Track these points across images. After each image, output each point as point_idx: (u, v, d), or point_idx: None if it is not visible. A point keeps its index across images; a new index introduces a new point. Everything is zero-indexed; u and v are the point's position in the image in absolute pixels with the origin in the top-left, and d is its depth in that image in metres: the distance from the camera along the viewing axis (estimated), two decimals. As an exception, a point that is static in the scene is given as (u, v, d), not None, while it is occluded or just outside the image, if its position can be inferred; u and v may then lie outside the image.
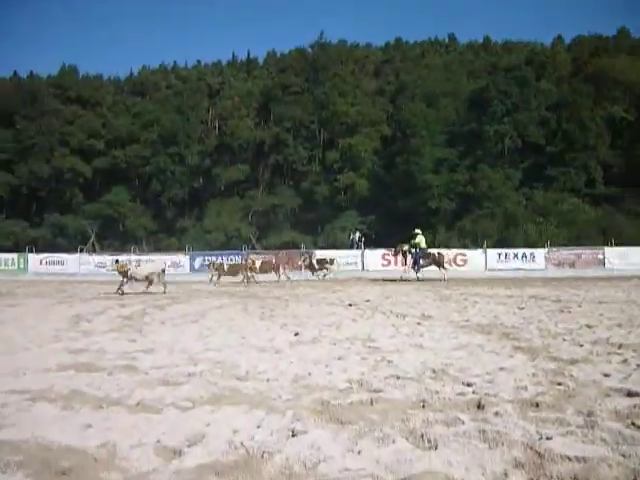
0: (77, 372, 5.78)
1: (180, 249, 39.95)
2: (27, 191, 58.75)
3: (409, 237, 24.39)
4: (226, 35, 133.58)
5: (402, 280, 22.60)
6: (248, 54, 71.16)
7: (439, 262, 23.55)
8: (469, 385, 4.93)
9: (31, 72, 66.85)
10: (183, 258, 33.84)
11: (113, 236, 55.80)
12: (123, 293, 16.77)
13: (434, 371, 5.53)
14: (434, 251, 24.72)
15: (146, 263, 22.23)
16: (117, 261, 18.48)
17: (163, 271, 18.34)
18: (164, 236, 55.86)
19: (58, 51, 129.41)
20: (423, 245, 23.80)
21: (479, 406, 4.23)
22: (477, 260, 32.30)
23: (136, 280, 17.53)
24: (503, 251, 33.09)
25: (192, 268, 32.83)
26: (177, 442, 3.61)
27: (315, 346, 7.31)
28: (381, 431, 3.68)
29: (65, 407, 4.46)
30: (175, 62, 72.45)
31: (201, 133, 59.98)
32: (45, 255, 36.32)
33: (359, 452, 3.39)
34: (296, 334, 8.26)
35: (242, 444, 3.53)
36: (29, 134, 58.03)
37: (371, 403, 4.41)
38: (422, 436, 3.59)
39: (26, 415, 4.27)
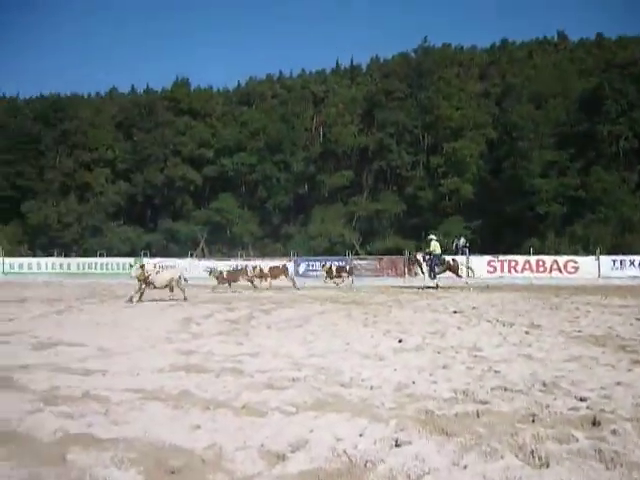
0: (187, 373, 5.99)
1: (285, 254, 40.60)
2: (142, 199, 61.87)
3: (425, 244, 24.05)
4: (329, 44, 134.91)
5: (423, 289, 21.76)
6: (351, 61, 71.45)
7: (454, 269, 22.89)
8: (583, 400, 4.69)
9: (147, 86, 70.62)
10: (288, 263, 34.36)
11: (221, 241, 57.62)
12: (131, 300, 16.28)
13: (544, 384, 5.31)
14: (449, 258, 23.86)
15: (165, 269, 21.09)
16: (142, 266, 17.74)
17: (180, 278, 17.76)
18: (270, 241, 57.10)
19: (172, 65, 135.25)
20: (438, 251, 23.15)
21: (594, 423, 4.01)
22: (589, 267, 30.70)
23: (154, 287, 17.07)
24: (618, 258, 31.26)
25: (297, 273, 33.25)
26: (281, 447, 3.65)
27: (419, 354, 7.22)
28: (488, 445, 3.56)
29: (175, 407, 4.63)
30: (280, 72, 73.92)
31: (306, 140, 60.77)
32: (158, 260, 37.97)
33: (465, 466, 3.29)
34: (400, 341, 8.18)
35: (345, 452, 3.52)
36: (145, 145, 61.18)
37: (477, 415, 4.28)
38: (532, 452, 3.44)
39: (139, 414, 4.46)
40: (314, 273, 33.26)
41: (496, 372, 5.90)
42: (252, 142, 60.32)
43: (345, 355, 7.12)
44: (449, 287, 22.08)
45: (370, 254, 43.13)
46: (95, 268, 38.83)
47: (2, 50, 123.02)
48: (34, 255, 49.01)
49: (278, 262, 27.42)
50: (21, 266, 39.37)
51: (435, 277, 22.64)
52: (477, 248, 37.75)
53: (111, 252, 45.99)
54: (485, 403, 4.65)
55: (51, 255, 42.86)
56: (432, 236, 23.99)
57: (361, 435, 3.85)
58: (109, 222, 59.58)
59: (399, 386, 5.31)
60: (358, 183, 58.44)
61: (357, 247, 49.87)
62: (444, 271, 22.87)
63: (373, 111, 58.61)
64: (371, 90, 61.71)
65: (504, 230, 46.17)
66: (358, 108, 60.90)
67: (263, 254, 46.79)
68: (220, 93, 71.71)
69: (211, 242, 57.57)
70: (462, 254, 34.68)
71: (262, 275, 23.54)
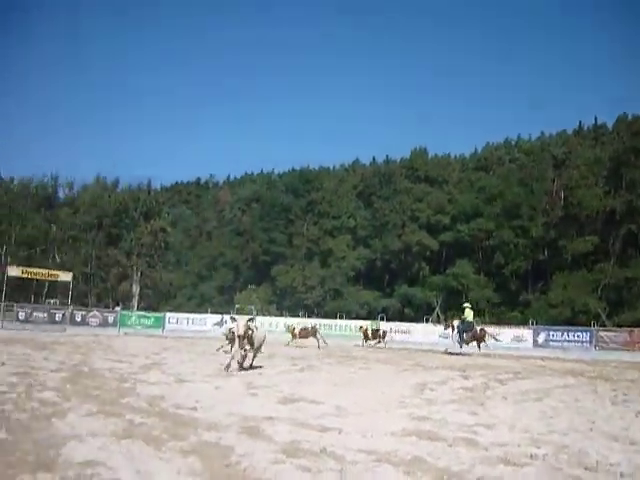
0: (419, 439, 5.96)
1: (523, 322, 38.93)
2: (381, 264, 64.17)
3: (461, 311, 24.93)
4: (571, 104, 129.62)
5: (448, 353, 22.72)
6: (595, 120, 68.35)
7: (479, 338, 23.63)
8: None
9: (386, 156, 74.09)
10: (526, 332, 32.81)
11: (456, 308, 57.04)
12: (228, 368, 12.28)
13: None
14: (477, 327, 24.53)
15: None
16: (251, 320, 13.41)
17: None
18: (506, 309, 55.22)
19: (410, 135, 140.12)
20: (470, 319, 23.89)
21: None
22: None
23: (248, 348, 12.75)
24: None
25: (535, 343, 31.60)
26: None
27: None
28: None
29: (407, 473, 4.63)
30: (519, 135, 73.09)
31: (545, 204, 58.62)
32: (394, 324, 38.68)
33: None
34: (656, 424, 7.34)
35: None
36: (384, 212, 63.89)
37: None
38: None
39: (372, 475, 4.54)
40: (556, 344, 31.23)
41: None
42: (489, 207, 59.80)
43: (590, 435, 6.55)
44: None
45: (619, 326, 39.49)
46: (334, 329, 40.57)
47: (262, 134, 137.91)
48: (281, 315, 52.77)
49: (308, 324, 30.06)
50: (271, 324, 42.46)
51: (462, 344, 23.32)
52: None
53: (349, 315, 47.94)
54: None
55: (296, 316, 45.77)
56: (467, 304, 25.01)
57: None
58: (349, 286, 62.47)
59: (656, 476, 4.75)
60: (604, 249, 54.40)
61: (603, 317, 46.00)
62: (472, 339, 23.46)
63: (620, 171, 54.71)
64: (618, 149, 57.81)
65: None
66: (603, 169, 57.39)
67: (499, 321, 45.29)
68: (457, 160, 72.62)
69: (446, 308, 57.27)
70: None
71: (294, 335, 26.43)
